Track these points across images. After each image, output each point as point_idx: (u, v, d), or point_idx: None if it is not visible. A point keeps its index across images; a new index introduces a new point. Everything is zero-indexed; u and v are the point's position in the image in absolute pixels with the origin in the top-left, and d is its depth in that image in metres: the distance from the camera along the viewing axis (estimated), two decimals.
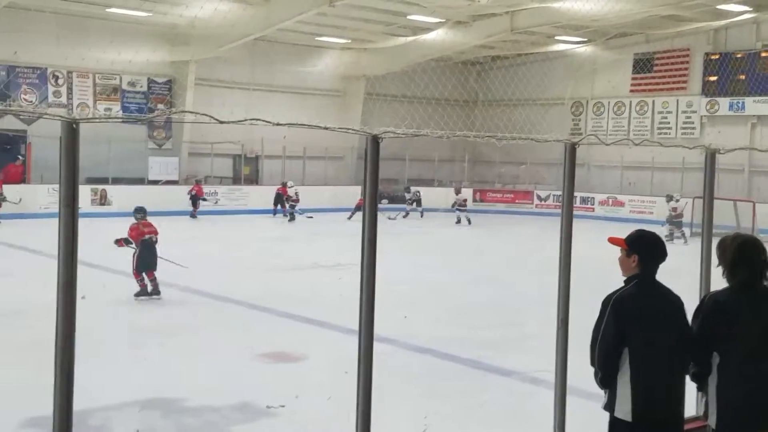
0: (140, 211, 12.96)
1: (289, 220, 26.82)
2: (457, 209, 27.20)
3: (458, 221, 26.81)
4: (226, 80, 30.13)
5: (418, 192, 29.26)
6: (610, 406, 4.20)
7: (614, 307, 4.13)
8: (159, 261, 12.62)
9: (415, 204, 28.76)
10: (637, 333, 4.11)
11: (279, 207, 27.90)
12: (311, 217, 26.85)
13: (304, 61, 31.44)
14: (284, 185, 27.88)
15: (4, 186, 23.78)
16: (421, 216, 28.31)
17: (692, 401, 4.94)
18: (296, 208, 27.19)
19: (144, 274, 12.46)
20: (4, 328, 10.00)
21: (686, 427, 4.58)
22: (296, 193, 27.47)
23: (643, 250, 4.23)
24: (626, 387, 4.11)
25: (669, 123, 31.83)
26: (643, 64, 32.12)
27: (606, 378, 4.20)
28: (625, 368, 4.12)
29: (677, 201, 23.34)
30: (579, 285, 4.64)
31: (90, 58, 24.78)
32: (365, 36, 30.71)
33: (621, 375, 4.13)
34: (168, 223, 23.12)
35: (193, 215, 26.56)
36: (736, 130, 28.89)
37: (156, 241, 12.72)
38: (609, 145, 4.77)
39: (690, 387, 4.36)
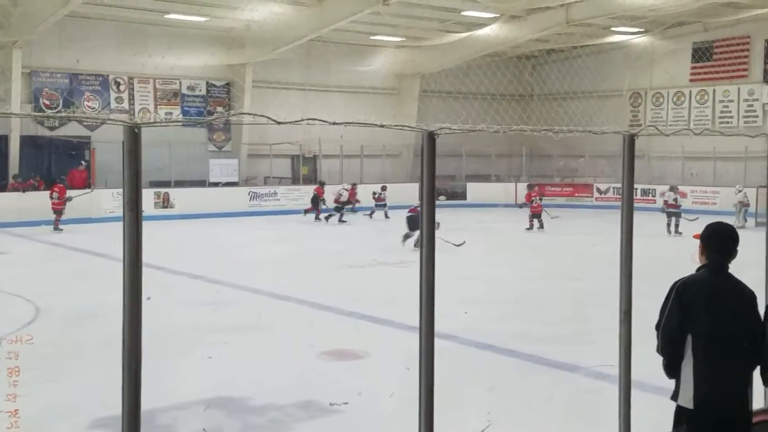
0: None
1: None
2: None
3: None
4: (282, 81, 30.44)
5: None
6: (675, 393, 4.21)
7: (678, 291, 4.16)
8: None
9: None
10: (700, 320, 4.11)
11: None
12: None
13: (359, 61, 31.56)
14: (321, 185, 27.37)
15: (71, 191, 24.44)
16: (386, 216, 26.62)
17: (760, 394, 4.82)
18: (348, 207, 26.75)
19: None
20: (75, 331, 10.25)
21: (755, 419, 4.47)
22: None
23: (704, 238, 4.29)
24: (689, 374, 4.11)
25: (730, 112, 31.13)
26: (702, 53, 31.49)
27: (671, 365, 4.20)
28: (689, 356, 4.12)
29: (676, 191, 23.09)
30: (642, 277, 4.57)
31: (150, 63, 25.31)
32: (419, 33, 30.69)
33: (685, 362, 4.13)
34: (230, 224, 23.62)
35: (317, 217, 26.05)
36: None
37: None
38: (668, 135, 4.69)
39: (756, 380, 4.27)
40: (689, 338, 4.12)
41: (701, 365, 4.08)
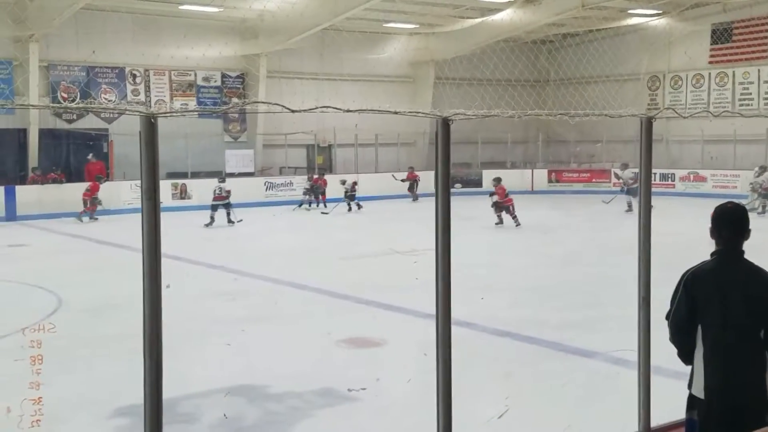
0: None
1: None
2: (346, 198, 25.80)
3: (349, 209, 25.57)
4: (296, 71, 30.40)
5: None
6: (689, 382, 4.14)
7: (685, 282, 4.05)
8: None
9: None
10: (709, 312, 3.99)
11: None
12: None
13: (372, 49, 31.44)
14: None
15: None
16: (359, 208, 26.01)
17: None
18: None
19: None
20: (96, 322, 10.34)
21: None
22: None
23: (713, 220, 4.08)
24: (700, 364, 4.03)
25: (750, 94, 30.78)
26: (721, 35, 31.12)
27: (683, 354, 4.13)
28: (699, 346, 4.03)
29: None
30: (660, 263, 4.53)
31: (165, 55, 25.35)
32: (433, 20, 30.54)
33: (697, 352, 4.05)
34: (246, 214, 23.68)
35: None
36: None
37: None
38: (687, 118, 4.66)
39: None
40: (699, 328, 4.02)
41: (711, 356, 3.99)
